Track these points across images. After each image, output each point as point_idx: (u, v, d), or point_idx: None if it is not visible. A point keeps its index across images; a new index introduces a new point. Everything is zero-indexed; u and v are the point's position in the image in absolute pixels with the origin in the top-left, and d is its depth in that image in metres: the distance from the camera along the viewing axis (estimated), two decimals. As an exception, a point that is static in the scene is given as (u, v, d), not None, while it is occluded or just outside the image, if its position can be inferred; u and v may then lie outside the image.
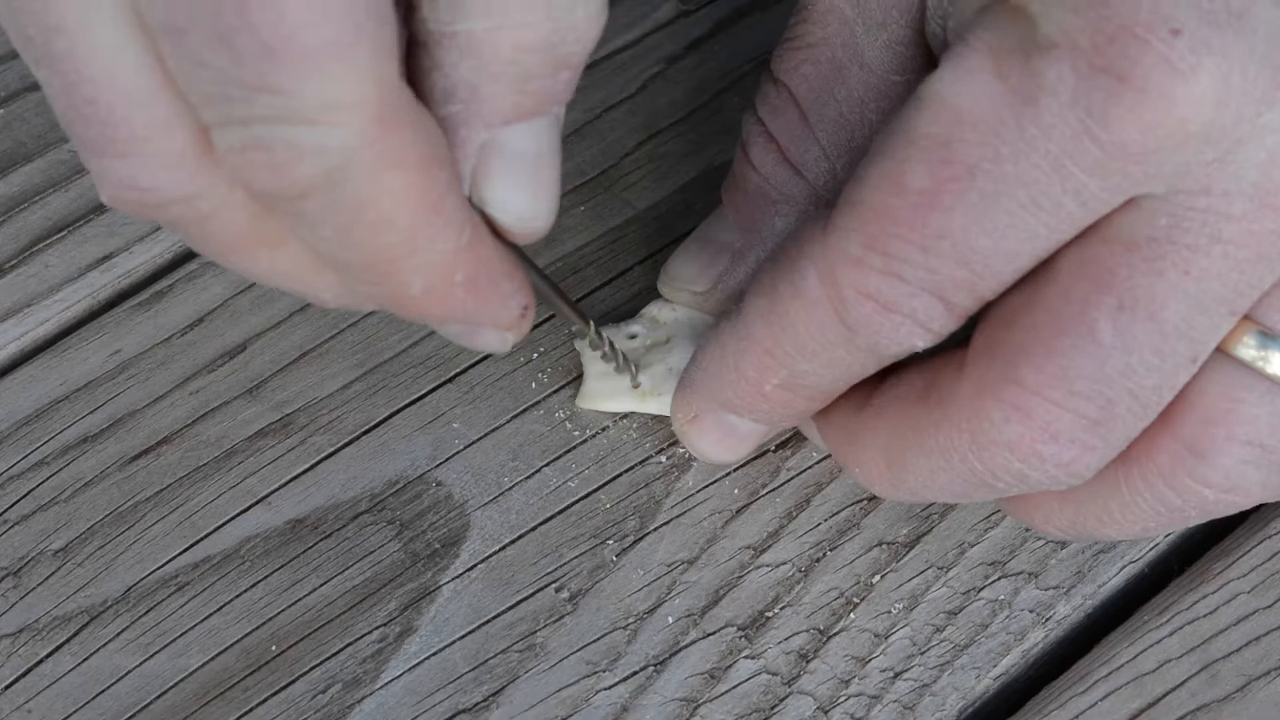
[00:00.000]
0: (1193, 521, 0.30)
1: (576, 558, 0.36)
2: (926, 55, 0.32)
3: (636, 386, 0.37)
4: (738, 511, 0.37)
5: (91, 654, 0.35)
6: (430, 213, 0.26)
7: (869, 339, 0.29)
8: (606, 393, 0.37)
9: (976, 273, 0.27)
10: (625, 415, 0.38)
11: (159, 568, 0.36)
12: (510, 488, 0.37)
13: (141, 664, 0.35)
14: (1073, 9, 0.25)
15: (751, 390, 0.31)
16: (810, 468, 0.37)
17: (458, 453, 0.37)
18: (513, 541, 0.36)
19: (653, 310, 0.37)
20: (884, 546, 0.36)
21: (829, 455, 0.37)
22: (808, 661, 0.35)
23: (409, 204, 0.25)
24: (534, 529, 0.37)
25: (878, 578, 0.36)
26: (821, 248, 0.28)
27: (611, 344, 0.35)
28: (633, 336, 0.37)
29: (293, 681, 0.35)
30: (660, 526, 0.37)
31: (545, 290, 0.32)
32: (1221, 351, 0.28)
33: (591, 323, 0.34)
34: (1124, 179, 0.26)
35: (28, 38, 0.24)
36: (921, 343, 0.28)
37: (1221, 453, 0.28)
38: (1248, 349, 0.27)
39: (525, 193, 0.28)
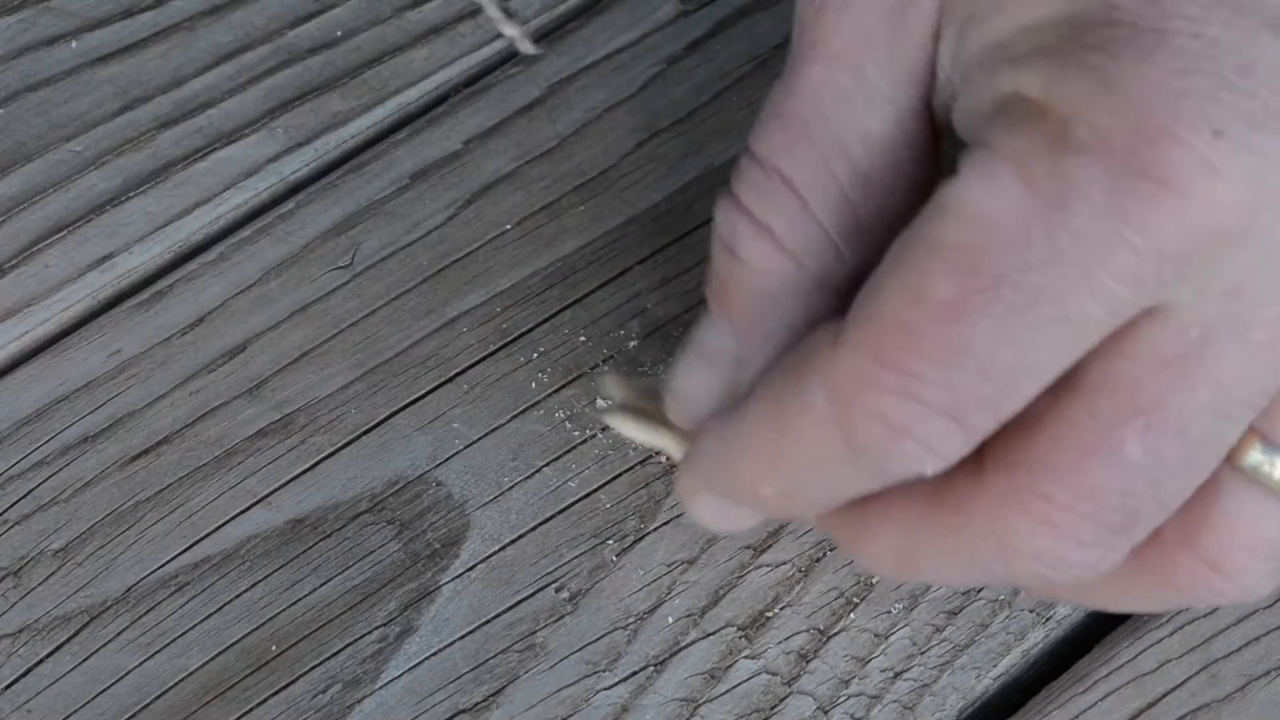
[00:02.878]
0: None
1: (576, 558, 0.36)
2: (933, 128, 0.31)
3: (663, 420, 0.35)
4: (738, 511, 0.37)
5: (91, 654, 0.35)
6: None
7: (876, 462, 0.27)
8: (639, 420, 0.35)
9: (999, 389, 0.26)
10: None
11: (159, 568, 0.36)
12: (510, 488, 0.37)
13: (141, 664, 0.35)
14: (1111, 111, 0.24)
15: (749, 491, 0.31)
16: (810, 468, 0.37)
17: (458, 453, 0.37)
18: (513, 541, 0.36)
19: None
20: (884, 546, 0.36)
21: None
22: (808, 661, 0.35)
23: None
24: (534, 529, 0.37)
25: (878, 578, 0.36)
26: (831, 363, 0.27)
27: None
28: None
29: (293, 681, 0.35)
30: (660, 526, 0.37)
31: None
32: (1232, 466, 0.28)
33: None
34: (1158, 284, 0.25)
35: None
36: (930, 470, 0.27)
37: (1243, 572, 0.28)
38: (1256, 462, 0.28)
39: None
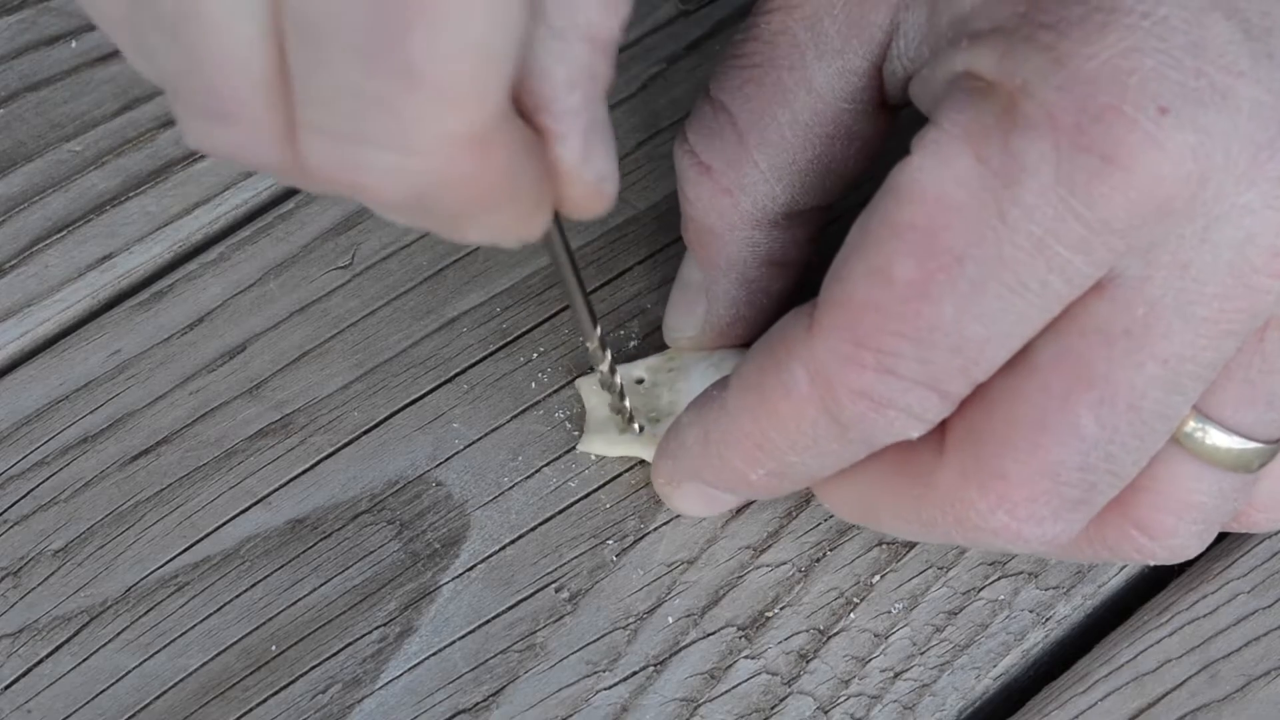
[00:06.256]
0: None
1: (576, 558, 0.36)
2: (880, 89, 0.32)
3: (630, 426, 0.36)
4: (737, 511, 0.37)
5: (91, 654, 0.35)
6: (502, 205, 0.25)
7: (863, 433, 0.28)
8: (609, 436, 0.37)
9: (970, 359, 0.27)
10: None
11: (159, 568, 0.36)
12: (510, 488, 0.37)
13: (141, 664, 0.35)
14: (1057, 86, 0.25)
15: (737, 478, 0.31)
16: (810, 468, 0.37)
17: (458, 453, 0.37)
18: (513, 541, 0.36)
19: (655, 359, 0.37)
20: (884, 546, 0.36)
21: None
22: (808, 661, 0.35)
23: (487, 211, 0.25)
24: (534, 529, 0.37)
25: (878, 578, 0.36)
26: (808, 348, 0.28)
27: (614, 368, 0.35)
28: (639, 381, 0.37)
29: (293, 681, 0.35)
30: (660, 526, 0.37)
31: (570, 281, 0.31)
32: (1172, 439, 0.28)
33: (606, 347, 0.34)
34: (1108, 252, 0.26)
35: (158, 15, 0.22)
36: (916, 433, 0.28)
37: (1170, 534, 0.29)
38: (1195, 437, 0.28)
39: (614, 160, 0.27)
